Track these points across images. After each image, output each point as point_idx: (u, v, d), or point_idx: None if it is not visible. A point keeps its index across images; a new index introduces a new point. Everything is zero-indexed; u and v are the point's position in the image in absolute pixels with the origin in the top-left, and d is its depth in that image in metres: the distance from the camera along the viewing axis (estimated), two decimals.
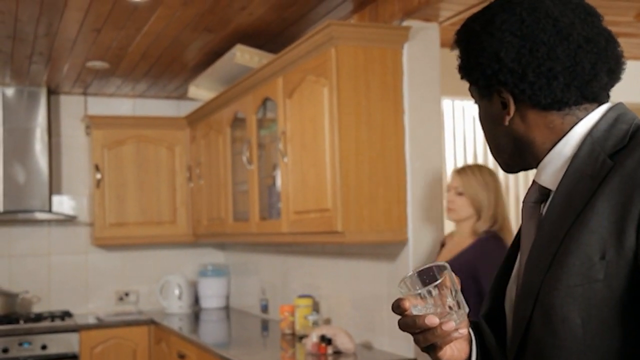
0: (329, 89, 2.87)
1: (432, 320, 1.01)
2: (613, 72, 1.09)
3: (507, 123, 1.11)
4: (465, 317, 1.06)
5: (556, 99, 1.07)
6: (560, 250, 0.99)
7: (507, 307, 1.14)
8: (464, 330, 1.07)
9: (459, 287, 1.05)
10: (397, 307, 1.05)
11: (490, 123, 1.14)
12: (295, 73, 3.17)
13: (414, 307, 1.04)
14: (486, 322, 1.16)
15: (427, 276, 1.05)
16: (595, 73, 1.07)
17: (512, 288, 1.13)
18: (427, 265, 1.06)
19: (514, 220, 5.18)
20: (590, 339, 0.96)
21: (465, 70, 1.14)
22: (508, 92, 1.09)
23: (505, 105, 1.11)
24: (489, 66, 1.09)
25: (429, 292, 1.03)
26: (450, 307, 1.03)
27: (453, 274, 1.05)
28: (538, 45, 1.06)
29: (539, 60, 1.06)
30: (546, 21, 1.07)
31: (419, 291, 1.04)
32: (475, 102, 1.18)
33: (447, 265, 1.05)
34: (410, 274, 1.06)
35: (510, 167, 1.17)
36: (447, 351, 1.09)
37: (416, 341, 1.07)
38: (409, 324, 1.04)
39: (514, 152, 1.13)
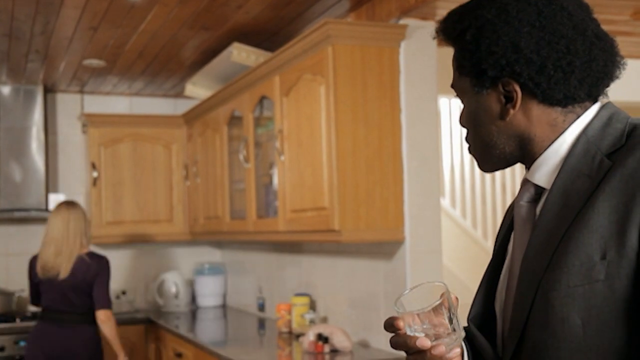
0: (326, 88, 2.87)
1: (423, 343, 0.99)
2: (617, 70, 1.08)
3: (508, 118, 1.07)
4: (460, 341, 1.04)
5: (568, 95, 1.05)
6: (558, 250, 0.98)
7: (497, 308, 1.12)
8: (457, 350, 1.05)
9: (457, 310, 1.03)
10: (390, 325, 1.03)
11: (485, 118, 1.10)
12: (292, 71, 3.17)
13: (408, 326, 1.02)
14: (475, 325, 1.13)
15: (424, 295, 1.03)
16: (607, 71, 1.06)
17: (501, 290, 1.11)
18: (425, 283, 1.04)
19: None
20: (590, 339, 0.95)
21: (472, 59, 1.07)
22: (517, 85, 1.05)
23: (509, 99, 1.07)
24: (504, 56, 1.04)
25: (425, 313, 1.01)
26: (445, 330, 1.01)
27: (451, 295, 1.03)
28: (557, 38, 1.03)
29: (559, 53, 1.03)
30: (562, 14, 1.05)
31: (415, 311, 1.01)
32: (461, 95, 1.13)
33: (445, 285, 1.02)
34: (407, 291, 1.04)
35: (494, 165, 1.13)
36: None
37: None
38: (399, 343, 1.02)
39: (508, 149, 1.10)
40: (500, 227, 1.23)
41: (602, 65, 1.06)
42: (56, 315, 3.68)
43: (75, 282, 3.64)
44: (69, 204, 3.75)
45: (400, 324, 1.02)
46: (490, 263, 1.17)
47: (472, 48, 1.07)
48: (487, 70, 1.06)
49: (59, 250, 3.63)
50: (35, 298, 3.83)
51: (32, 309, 4.84)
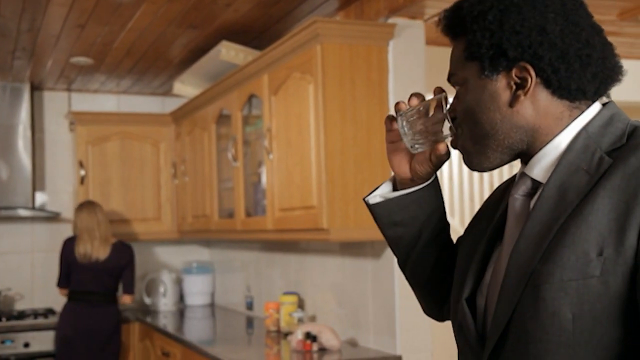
0: (315, 86, 2.87)
1: (400, 106, 1.18)
2: (622, 73, 1.10)
3: (517, 104, 1.06)
4: (428, 144, 1.16)
5: (581, 87, 1.05)
6: (552, 243, 0.98)
7: (478, 294, 1.12)
8: (422, 155, 1.19)
9: (441, 114, 1.13)
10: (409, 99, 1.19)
11: (491, 105, 1.08)
12: (281, 70, 3.17)
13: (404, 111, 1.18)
14: (468, 305, 1.13)
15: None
16: (617, 71, 1.08)
17: (487, 277, 1.12)
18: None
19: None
20: (579, 334, 0.95)
21: (492, 38, 1.05)
22: (533, 70, 1.04)
23: (520, 86, 1.06)
24: (529, 36, 1.03)
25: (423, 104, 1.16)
26: (424, 127, 1.15)
27: (442, 100, 1.13)
28: (579, 30, 1.05)
29: (580, 43, 1.04)
30: (582, 9, 1.07)
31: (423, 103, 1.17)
32: (461, 83, 1.11)
33: (444, 92, 1.15)
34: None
35: (486, 161, 1.11)
36: (395, 159, 1.24)
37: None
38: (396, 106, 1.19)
39: (508, 141, 1.08)
40: (485, 204, 1.23)
41: (614, 64, 1.08)
42: (87, 296, 4.22)
43: (110, 266, 4.23)
44: (90, 202, 4.38)
45: (415, 100, 1.17)
46: (481, 252, 1.15)
47: (494, 28, 1.05)
48: (508, 50, 1.04)
49: (93, 237, 4.23)
50: (64, 280, 4.27)
51: (19, 307, 4.83)
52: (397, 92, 2.95)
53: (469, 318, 1.12)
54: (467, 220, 5.37)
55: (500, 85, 1.07)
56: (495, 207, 1.19)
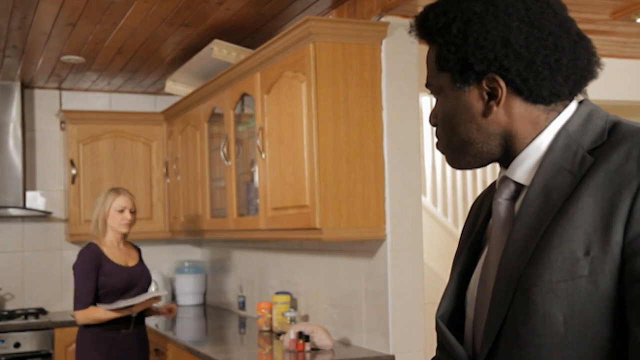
0: (307, 85, 2.86)
1: None
2: (598, 68, 1.08)
3: (490, 114, 1.06)
4: None
5: (553, 92, 1.04)
6: (540, 246, 0.97)
7: (468, 306, 1.11)
8: None
9: None
10: None
11: (465, 115, 1.08)
12: (273, 69, 3.16)
13: None
14: (444, 321, 1.12)
15: None
16: (590, 69, 1.07)
17: (474, 286, 1.11)
18: None
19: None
20: (571, 335, 0.95)
21: (457, 53, 1.05)
22: (503, 81, 1.04)
23: (492, 96, 1.06)
24: (493, 50, 1.03)
25: None
26: None
27: None
28: (545, 35, 1.03)
29: (547, 50, 1.03)
30: (548, 11, 1.05)
31: None
32: (437, 93, 1.12)
33: None
34: None
35: (468, 164, 1.13)
36: None
37: None
38: None
39: (486, 148, 1.09)
40: (467, 221, 1.22)
41: (586, 63, 1.06)
42: None
43: None
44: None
45: None
46: (460, 259, 1.16)
47: (459, 42, 1.05)
48: (474, 64, 1.04)
49: None
50: None
51: (10, 306, 4.80)
52: (390, 90, 2.95)
53: (447, 334, 1.10)
54: (460, 219, 5.38)
55: (473, 96, 1.07)
56: (475, 219, 1.19)
